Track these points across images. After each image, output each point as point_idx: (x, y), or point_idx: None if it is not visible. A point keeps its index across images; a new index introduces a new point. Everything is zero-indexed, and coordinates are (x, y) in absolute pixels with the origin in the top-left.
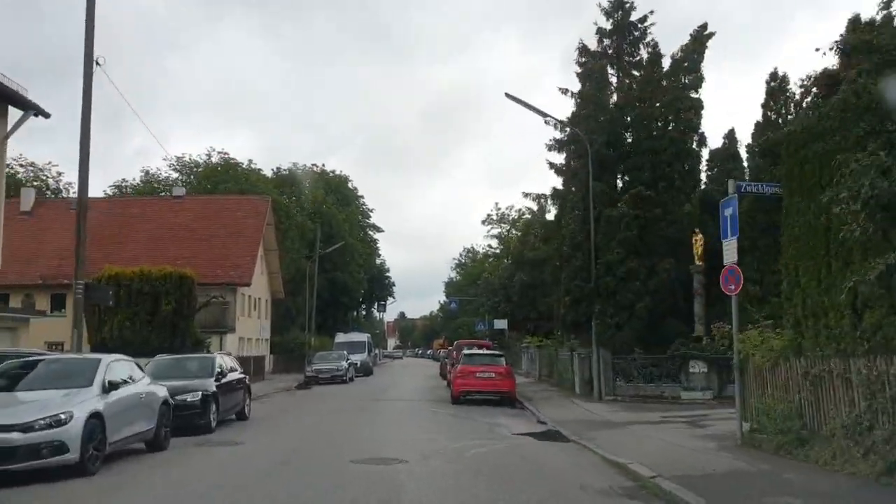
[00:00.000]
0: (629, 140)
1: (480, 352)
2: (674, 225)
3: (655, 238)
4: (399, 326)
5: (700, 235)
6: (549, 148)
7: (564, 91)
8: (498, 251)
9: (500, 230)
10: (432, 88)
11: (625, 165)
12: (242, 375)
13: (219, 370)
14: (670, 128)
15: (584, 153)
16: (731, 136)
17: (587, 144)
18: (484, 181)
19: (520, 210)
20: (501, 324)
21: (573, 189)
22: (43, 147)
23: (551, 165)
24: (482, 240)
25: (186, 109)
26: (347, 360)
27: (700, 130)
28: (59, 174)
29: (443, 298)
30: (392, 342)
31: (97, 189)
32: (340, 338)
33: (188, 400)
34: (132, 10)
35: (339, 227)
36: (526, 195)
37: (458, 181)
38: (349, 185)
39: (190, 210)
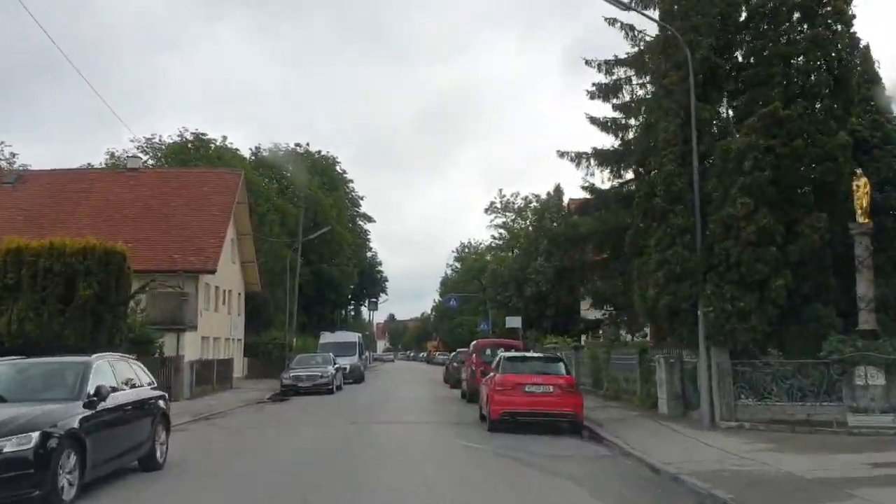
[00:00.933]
0: (746, 45)
1: (530, 355)
2: (822, 164)
3: (795, 183)
4: (389, 328)
5: (864, 179)
6: (592, 96)
7: None
8: (502, 242)
9: (504, 219)
10: (431, 89)
11: (741, 80)
12: (155, 394)
13: (95, 388)
14: (806, 28)
15: (682, 63)
16: (865, 55)
17: (686, 50)
18: (480, 183)
19: (526, 197)
20: (515, 321)
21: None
22: None
23: (593, 120)
24: (485, 230)
25: (185, 109)
26: (334, 364)
27: (852, 30)
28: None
29: (436, 299)
30: (382, 344)
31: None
32: (326, 338)
33: (5, 450)
34: (132, 9)
35: (325, 214)
36: (562, 154)
37: (454, 183)
38: (337, 168)
39: (147, 185)
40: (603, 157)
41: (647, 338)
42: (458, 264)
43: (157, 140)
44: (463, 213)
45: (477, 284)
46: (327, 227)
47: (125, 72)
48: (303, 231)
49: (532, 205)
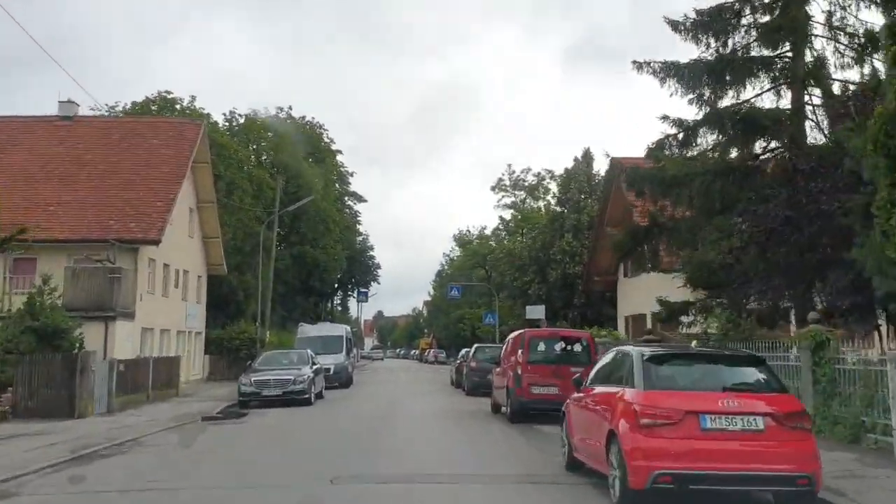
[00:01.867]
0: None
1: (701, 351)
2: None
3: None
4: (377, 325)
5: None
6: None
7: None
8: (512, 225)
9: (514, 199)
10: (424, 83)
11: None
12: None
13: None
14: None
15: None
16: None
17: None
18: (473, 179)
19: (538, 174)
20: (536, 312)
21: None
22: None
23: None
24: (492, 211)
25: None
26: (313, 364)
27: None
28: None
29: (430, 292)
30: (370, 342)
31: None
32: (305, 331)
33: None
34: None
35: (309, 187)
36: (639, 66)
37: (446, 179)
38: (324, 137)
39: (82, 136)
40: (698, 71)
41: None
42: (458, 252)
43: (120, 108)
44: (454, 209)
45: (481, 272)
46: (311, 197)
47: (114, 62)
48: (282, 204)
49: (545, 182)
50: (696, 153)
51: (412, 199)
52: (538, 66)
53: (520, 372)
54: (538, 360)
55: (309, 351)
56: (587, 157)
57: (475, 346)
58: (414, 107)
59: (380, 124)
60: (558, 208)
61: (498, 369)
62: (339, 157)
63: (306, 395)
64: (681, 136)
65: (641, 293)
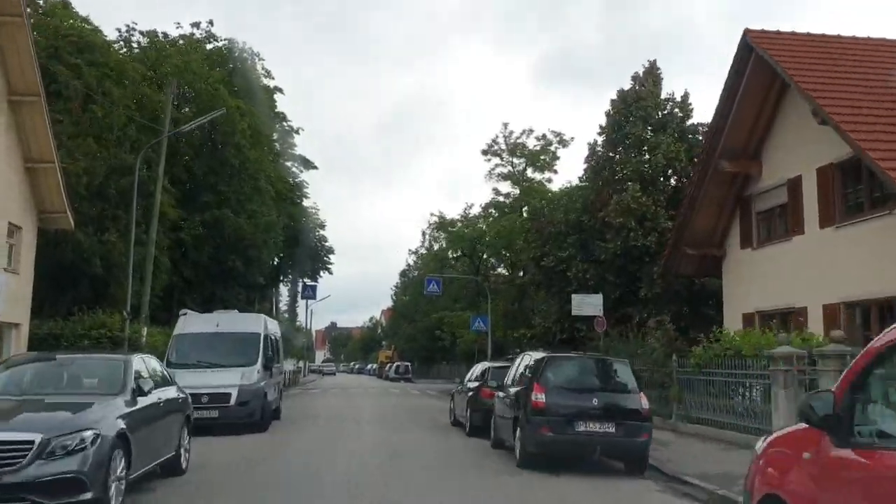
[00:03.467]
0: None
1: None
2: None
3: None
4: (330, 337)
5: None
6: None
7: None
8: (510, 199)
9: (510, 168)
10: (392, 93)
11: None
12: None
13: None
14: None
15: None
16: None
17: None
18: (436, 193)
19: (543, 136)
20: (590, 304)
21: None
22: None
23: None
24: (484, 183)
25: None
26: (172, 384)
27: None
28: None
29: (390, 300)
30: (321, 354)
31: None
32: (190, 324)
33: None
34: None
35: (228, 124)
36: None
37: (407, 192)
38: (259, 68)
39: None
40: None
41: None
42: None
43: None
44: (415, 224)
45: (466, 263)
46: (233, 149)
47: None
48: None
49: (552, 148)
50: None
51: (372, 211)
52: (509, 80)
53: None
54: None
55: (144, 362)
56: (652, 73)
57: (516, 354)
58: (378, 119)
59: (343, 130)
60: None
61: None
62: (281, 108)
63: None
64: None
65: (791, 269)
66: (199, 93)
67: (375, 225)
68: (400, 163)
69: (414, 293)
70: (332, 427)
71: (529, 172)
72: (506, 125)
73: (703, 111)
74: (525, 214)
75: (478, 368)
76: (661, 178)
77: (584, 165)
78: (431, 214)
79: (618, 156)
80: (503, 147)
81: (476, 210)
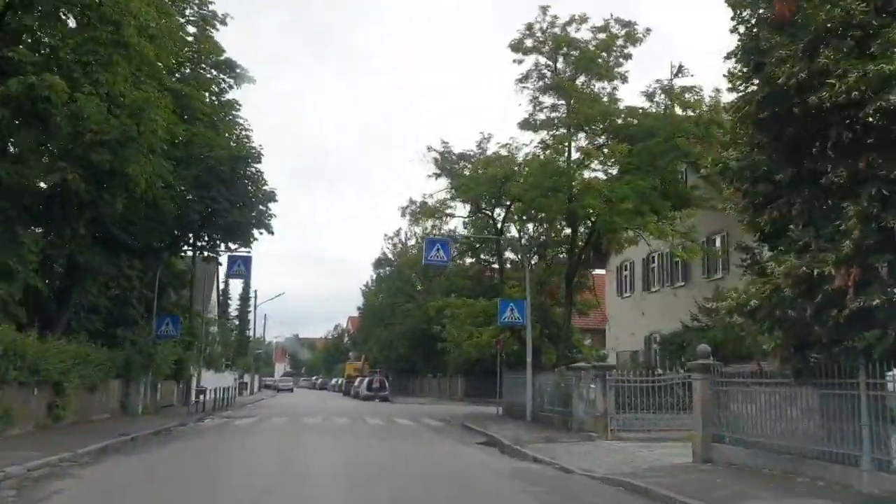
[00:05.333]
0: None
1: None
2: None
3: None
4: (291, 350)
5: None
6: None
7: None
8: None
9: (551, 70)
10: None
11: None
12: None
13: None
14: None
15: None
16: None
17: None
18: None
19: (602, 27)
20: None
21: None
22: None
23: None
24: (512, 97)
25: None
26: None
27: None
28: None
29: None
30: (281, 368)
31: None
32: None
33: None
34: None
35: None
36: None
37: (379, 205)
38: None
39: None
40: None
41: None
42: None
43: None
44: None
45: (478, 227)
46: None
47: None
48: None
49: (619, 43)
50: None
51: (337, 222)
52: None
53: None
54: None
55: None
56: None
57: None
58: (354, 129)
59: (310, 142)
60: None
61: None
62: None
63: None
64: None
65: None
66: None
67: (342, 236)
68: (367, 173)
69: (392, 288)
70: None
71: (580, 81)
72: (545, 9)
73: None
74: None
75: None
76: None
77: None
78: (435, 148)
79: None
80: (539, 37)
81: (495, 146)
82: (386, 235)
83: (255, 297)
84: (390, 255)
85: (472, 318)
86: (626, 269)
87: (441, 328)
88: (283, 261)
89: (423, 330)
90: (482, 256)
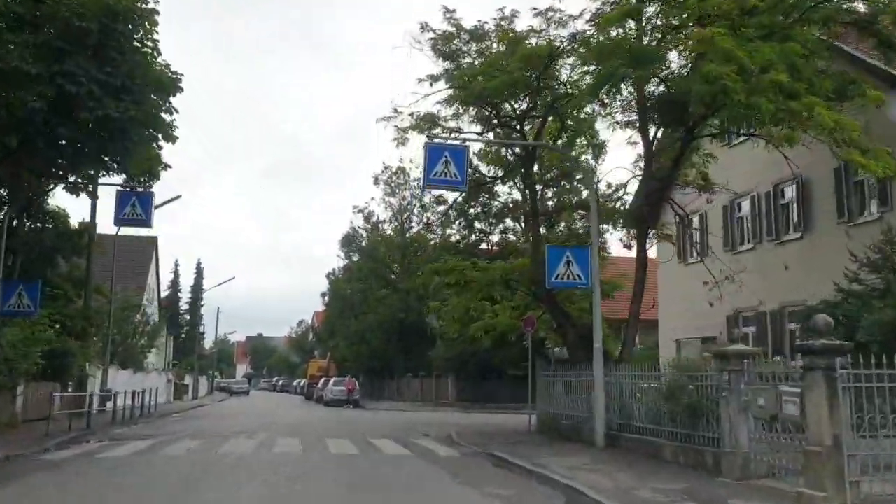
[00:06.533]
0: None
1: None
2: None
3: None
4: (253, 349)
5: None
6: None
7: None
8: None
9: None
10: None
11: None
12: None
13: None
14: None
15: None
16: None
17: None
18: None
19: None
20: None
21: None
22: None
23: None
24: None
25: None
26: None
27: None
28: None
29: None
30: (242, 369)
31: None
32: None
33: None
34: None
35: None
36: None
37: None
38: None
39: None
40: None
41: None
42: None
43: None
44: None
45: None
46: None
47: None
48: None
49: None
50: None
51: (311, 220)
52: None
53: None
54: None
55: None
56: None
57: None
58: (333, 126)
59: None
60: None
61: None
62: None
63: None
64: None
65: None
66: None
67: (323, 236)
68: (344, 170)
69: (364, 270)
70: None
71: None
72: None
73: None
74: None
75: None
76: None
77: None
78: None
79: None
80: None
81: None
82: (355, 207)
83: (200, 275)
84: (362, 231)
85: (486, 288)
86: (691, 226)
87: (428, 310)
88: (251, 258)
89: (400, 320)
90: (476, 225)
